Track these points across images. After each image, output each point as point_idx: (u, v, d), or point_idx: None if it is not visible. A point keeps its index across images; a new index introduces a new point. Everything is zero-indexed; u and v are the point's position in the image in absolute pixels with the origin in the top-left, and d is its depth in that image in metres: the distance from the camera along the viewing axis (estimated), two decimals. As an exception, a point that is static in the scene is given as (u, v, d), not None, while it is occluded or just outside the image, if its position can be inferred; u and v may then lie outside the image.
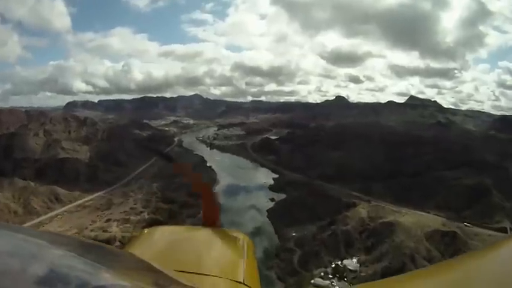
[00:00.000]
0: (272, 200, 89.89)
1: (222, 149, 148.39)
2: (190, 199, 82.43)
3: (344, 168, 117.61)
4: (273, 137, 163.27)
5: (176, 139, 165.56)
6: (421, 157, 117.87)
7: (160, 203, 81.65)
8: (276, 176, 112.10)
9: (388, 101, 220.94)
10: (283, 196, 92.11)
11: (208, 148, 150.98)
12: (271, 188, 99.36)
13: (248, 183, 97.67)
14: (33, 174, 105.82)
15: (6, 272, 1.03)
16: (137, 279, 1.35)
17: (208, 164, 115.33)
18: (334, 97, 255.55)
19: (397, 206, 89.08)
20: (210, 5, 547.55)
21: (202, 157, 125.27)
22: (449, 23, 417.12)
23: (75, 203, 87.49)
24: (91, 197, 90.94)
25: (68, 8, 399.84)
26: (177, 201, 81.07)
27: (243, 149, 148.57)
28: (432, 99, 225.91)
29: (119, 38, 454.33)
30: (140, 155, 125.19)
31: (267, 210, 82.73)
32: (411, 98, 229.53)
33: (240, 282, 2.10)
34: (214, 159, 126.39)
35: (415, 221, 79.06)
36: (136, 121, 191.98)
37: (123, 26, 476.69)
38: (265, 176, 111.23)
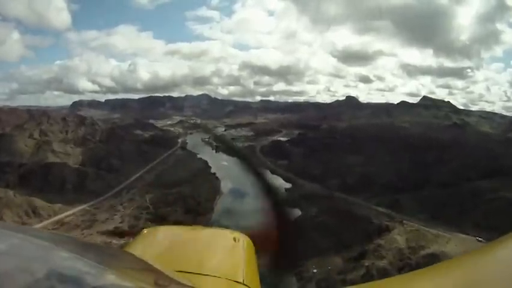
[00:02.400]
0: (285, 218, 72.34)
1: (229, 152, 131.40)
2: (185, 217, 66.21)
3: (365, 177, 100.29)
4: (284, 139, 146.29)
5: (180, 140, 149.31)
6: (447, 163, 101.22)
7: (148, 223, 64.99)
8: (288, 185, 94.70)
9: (401, 101, 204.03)
10: (298, 213, 74.67)
11: (214, 151, 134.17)
12: (284, 201, 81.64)
13: (256, 195, 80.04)
14: (16, 181, 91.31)
15: (7, 273, 1.01)
16: (137, 279, 1.34)
17: (211, 171, 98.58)
18: (344, 97, 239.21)
19: (433, 225, 71.52)
20: (216, 0, 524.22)
21: (206, 162, 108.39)
22: (465, 20, 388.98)
23: (53, 219, 72.02)
24: (73, 211, 75.32)
25: (69, 6, 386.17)
26: (170, 220, 64.49)
27: (252, 152, 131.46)
28: (445, 100, 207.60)
29: (124, 37, 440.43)
30: (138, 158, 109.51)
31: (280, 233, 65.37)
32: (424, 98, 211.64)
33: (239, 283, 2.05)
34: (219, 163, 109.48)
35: (462, 249, 61.23)
36: (139, 121, 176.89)
37: (126, 23, 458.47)
38: (276, 185, 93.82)
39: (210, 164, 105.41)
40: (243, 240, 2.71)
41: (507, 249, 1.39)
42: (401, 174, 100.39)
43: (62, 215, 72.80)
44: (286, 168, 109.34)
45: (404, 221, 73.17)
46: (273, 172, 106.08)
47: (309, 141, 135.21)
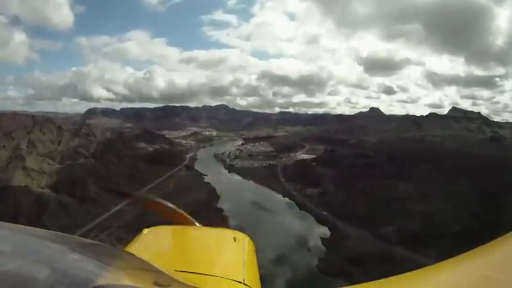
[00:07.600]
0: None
1: (245, 173, 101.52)
2: None
3: (429, 218, 68.15)
4: (309, 157, 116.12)
5: (189, 156, 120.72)
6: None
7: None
8: (324, 230, 63.13)
9: (429, 113, 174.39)
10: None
11: (227, 171, 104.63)
12: (322, 266, 49.61)
13: (279, 254, 48.59)
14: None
15: (12, 272, 0.99)
16: (137, 279, 1.30)
17: (218, 204, 68.62)
18: (365, 108, 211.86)
19: None
20: (232, 2, 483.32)
21: (214, 189, 78.43)
22: (503, 22, 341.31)
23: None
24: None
25: (79, 10, 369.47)
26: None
27: (272, 174, 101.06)
28: (476, 111, 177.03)
29: (136, 43, 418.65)
30: (129, 182, 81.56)
31: None
32: (454, 109, 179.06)
33: (240, 282, 1.98)
34: (231, 191, 79.46)
35: None
36: (148, 132, 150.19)
37: (138, 29, 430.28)
38: (308, 233, 62.20)
39: (218, 193, 75.54)
40: (244, 240, 2.55)
41: (507, 249, 1.35)
42: (470, 211, 67.94)
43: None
44: (319, 201, 78.01)
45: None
46: (301, 207, 74.77)
47: (340, 160, 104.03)
